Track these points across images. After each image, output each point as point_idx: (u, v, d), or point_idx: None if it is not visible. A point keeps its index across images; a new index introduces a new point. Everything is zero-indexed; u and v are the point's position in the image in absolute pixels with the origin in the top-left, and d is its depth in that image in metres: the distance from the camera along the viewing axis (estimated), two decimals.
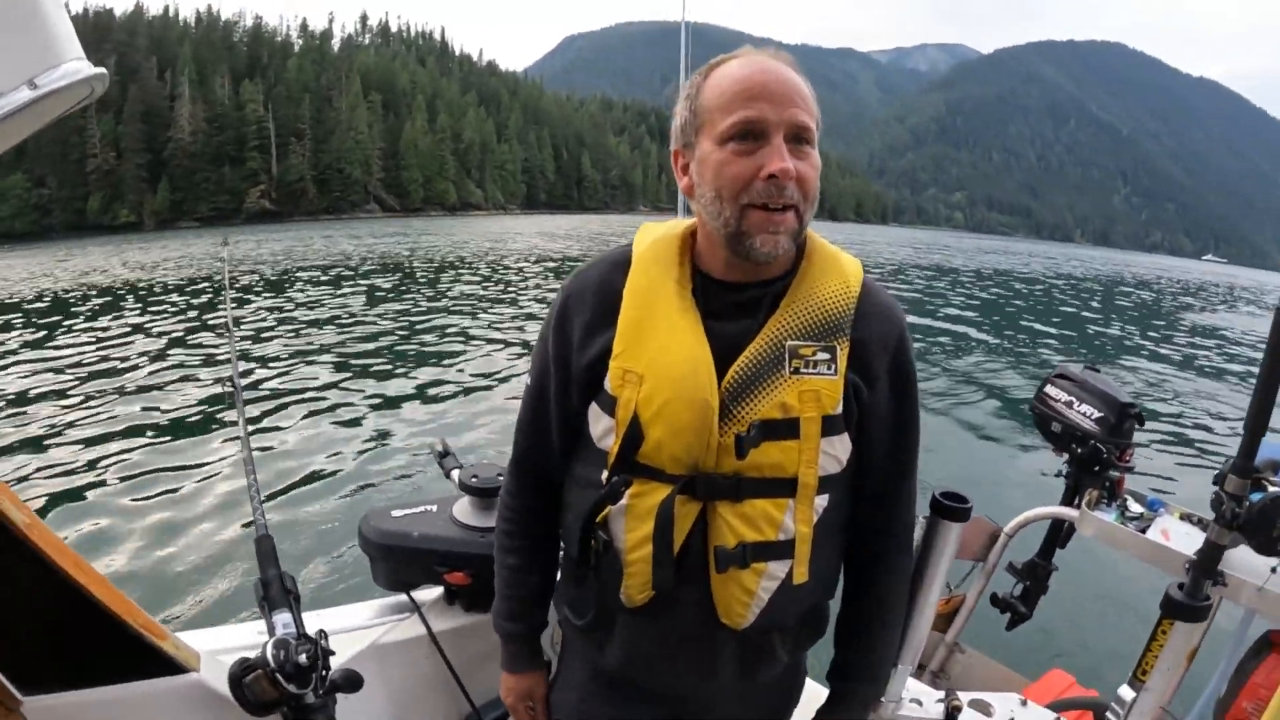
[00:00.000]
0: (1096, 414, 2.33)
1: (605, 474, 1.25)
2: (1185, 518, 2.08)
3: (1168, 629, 1.76)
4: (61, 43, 0.76)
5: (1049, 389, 2.50)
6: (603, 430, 1.26)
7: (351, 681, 1.50)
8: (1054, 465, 2.50)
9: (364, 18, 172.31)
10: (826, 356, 1.20)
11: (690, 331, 1.21)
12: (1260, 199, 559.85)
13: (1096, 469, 2.29)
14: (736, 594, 1.23)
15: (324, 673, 1.46)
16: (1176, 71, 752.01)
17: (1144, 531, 2.05)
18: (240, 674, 1.39)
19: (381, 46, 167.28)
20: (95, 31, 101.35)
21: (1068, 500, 2.43)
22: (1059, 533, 2.57)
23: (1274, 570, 1.85)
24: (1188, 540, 1.94)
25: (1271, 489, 1.72)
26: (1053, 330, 20.65)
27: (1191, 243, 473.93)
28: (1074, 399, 2.40)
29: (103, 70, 0.79)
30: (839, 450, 1.23)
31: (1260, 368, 1.43)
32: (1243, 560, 1.90)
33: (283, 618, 1.52)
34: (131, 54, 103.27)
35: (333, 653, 1.50)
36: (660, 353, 1.20)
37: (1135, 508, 2.18)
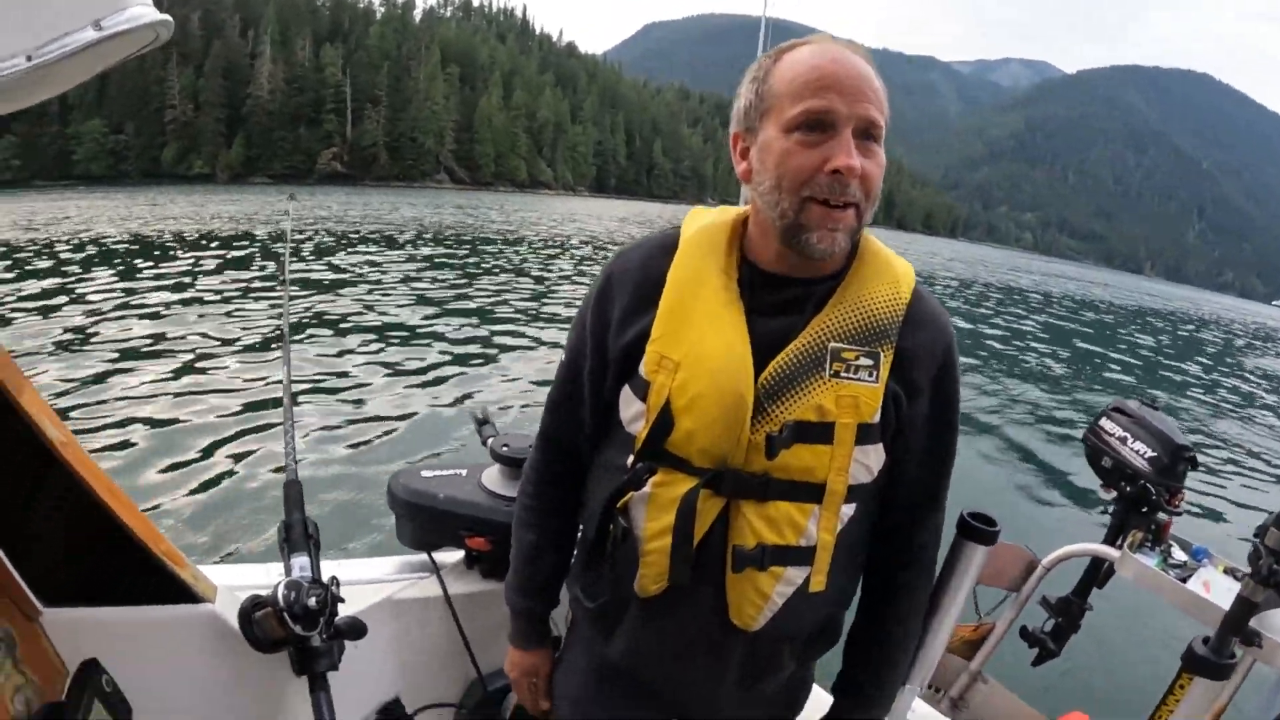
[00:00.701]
0: (1150, 453, 2.27)
1: (631, 459, 1.22)
2: (1229, 572, 2.01)
3: (1186, 684, 1.71)
4: None
5: (1104, 422, 2.44)
6: (633, 414, 1.23)
7: (355, 629, 1.53)
8: (1101, 501, 2.43)
9: None
10: (869, 362, 1.15)
11: (731, 324, 1.17)
12: None
13: (1144, 510, 2.23)
14: (750, 595, 1.20)
15: (332, 618, 1.48)
16: (1263, 108, 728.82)
17: (1185, 581, 1.98)
18: (250, 609, 1.43)
19: (463, 20, 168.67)
20: None
21: (1111, 539, 2.36)
22: (1098, 572, 2.50)
23: None
24: (1229, 595, 1.86)
25: None
26: (1116, 360, 20.23)
27: (1264, 285, 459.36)
28: (1128, 435, 2.34)
29: (167, 17, 0.79)
30: (872, 460, 1.19)
31: None
32: (1278, 624, 1.82)
33: (300, 561, 1.54)
34: (217, 10, 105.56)
35: (342, 600, 1.52)
36: (699, 342, 1.17)
37: (1179, 555, 2.11)
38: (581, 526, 1.43)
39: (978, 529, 1.47)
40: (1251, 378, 22.50)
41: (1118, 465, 2.32)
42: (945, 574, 1.51)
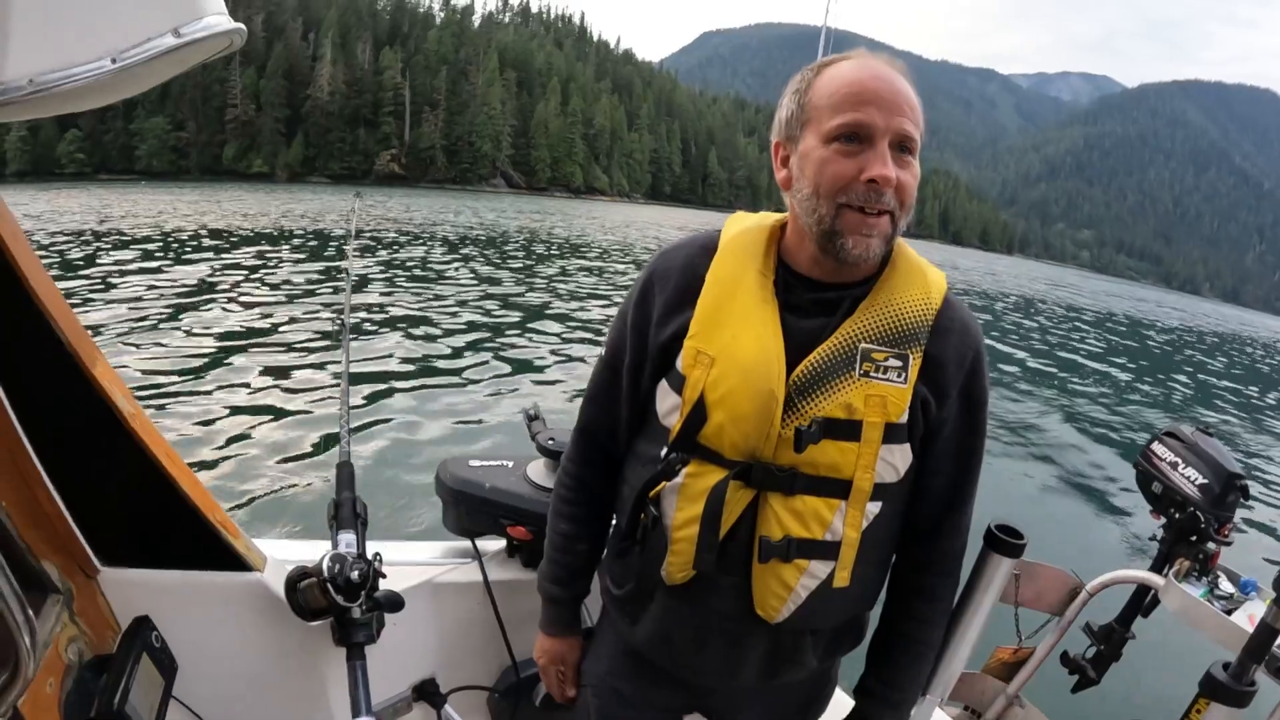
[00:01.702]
0: (1201, 480, 2.21)
1: (665, 450, 1.27)
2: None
3: (1203, 708, 1.66)
4: None
5: (1156, 446, 2.38)
6: (668, 408, 1.28)
7: (393, 602, 1.60)
8: (1151, 527, 2.38)
9: None
10: (898, 364, 1.20)
11: (767, 323, 1.22)
12: None
13: (1193, 538, 2.17)
14: (774, 587, 1.24)
15: (372, 591, 1.55)
16: None
17: (1230, 613, 1.93)
18: (296, 579, 1.52)
19: (521, 26, 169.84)
20: None
21: (1158, 567, 2.31)
22: (1143, 599, 2.45)
23: None
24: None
25: None
26: (1173, 383, 19.77)
27: None
28: (1180, 460, 2.28)
29: (241, 26, 0.86)
30: (898, 460, 1.23)
31: None
32: None
33: (346, 537, 1.61)
34: (279, 13, 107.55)
35: (384, 575, 1.58)
36: (734, 339, 1.22)
37: (1226, 586, 2.06)
38: (615, 516, 1.48)
39: (1004, 541, 1.47)
40: None
41: (1168, 491, 2.27)
42: (970, 585, 1.51)
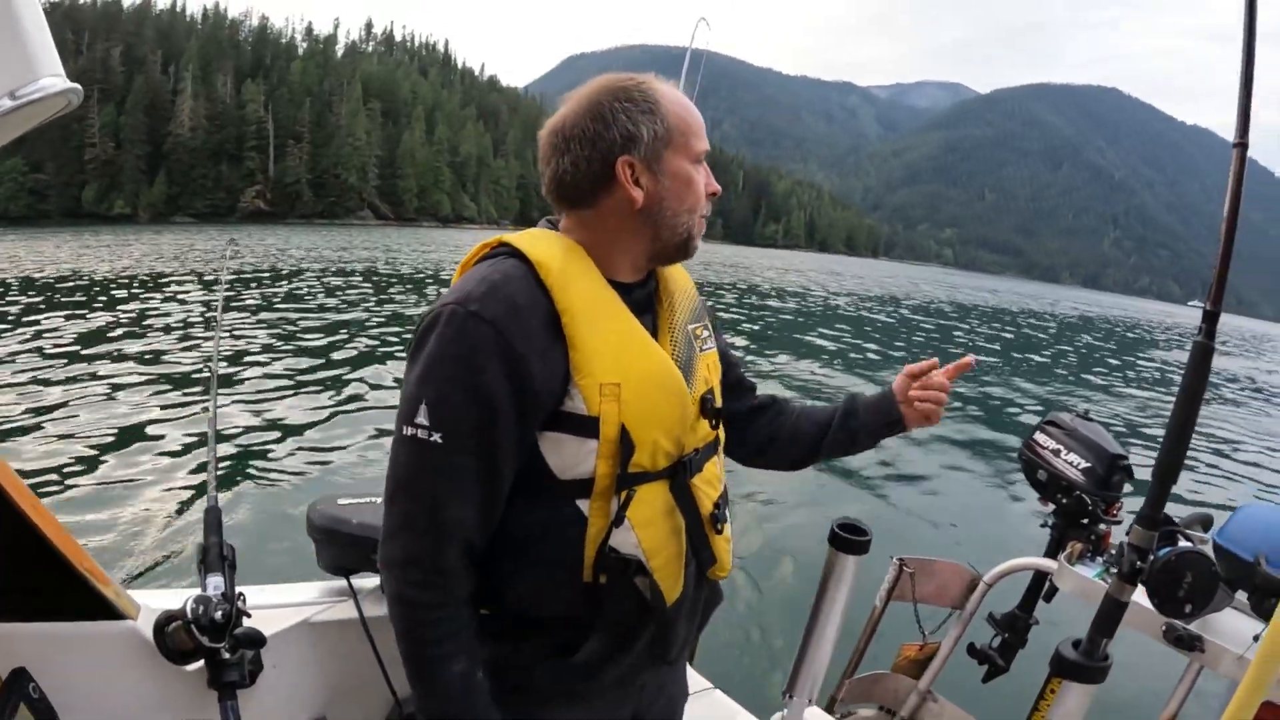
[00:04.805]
0: (1084, 464, 2.27)
1: (588, 502, 1.25)
2: None
3: (1057, 687, 1.71)
4: (41, 58, 0.83)
5: (1038, 435, 2.44)
6: (576, 458, 1.23)
7: (253, 639, 1.62)
8: (1043, 514, 2.44)
9: (369, 25, 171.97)
10: (708, 333, 1.49)
11: (638, 329, 1.31)
12: (1249, 251, 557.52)
13: (1083, 521, 2.24)
14: (725, 546, 1.40)
15: (235, 631, 1.59)
16: (1170, 119, 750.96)
17: None
18: (164, 623, 1.56)
19: (385, 55, 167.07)
20: (105, 21, 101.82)
21: (1052, 552, 2.37)
22: (1041, 585, 2.51)
23: (1256, 638, 1.78)
24: None
25: (1183, 544, 1.65)
26: (1051, 371, 20.67)
27: (1180, 289, 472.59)
28: (1062, 447, 2.34)
29: (77, 86, 0.87)
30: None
31: (1173, 412, 1.41)
32: (1226, 626, 1.85)
33: (214, 580, 1.64)
34: (138, 45, 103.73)
35: (248, 615, 1.62)
36: (630, 358, 1.26)
37: None
38: (529, 609, 1.30)
39: (848, 540, 1.53)
40: (1177, 375, 23.14)
41: (1053, 478, 2.33)
42: (822, 586, 1.57)
